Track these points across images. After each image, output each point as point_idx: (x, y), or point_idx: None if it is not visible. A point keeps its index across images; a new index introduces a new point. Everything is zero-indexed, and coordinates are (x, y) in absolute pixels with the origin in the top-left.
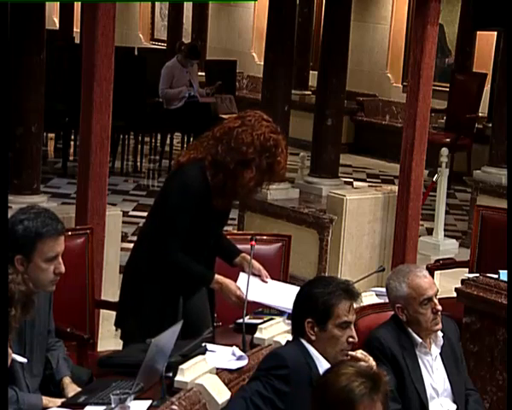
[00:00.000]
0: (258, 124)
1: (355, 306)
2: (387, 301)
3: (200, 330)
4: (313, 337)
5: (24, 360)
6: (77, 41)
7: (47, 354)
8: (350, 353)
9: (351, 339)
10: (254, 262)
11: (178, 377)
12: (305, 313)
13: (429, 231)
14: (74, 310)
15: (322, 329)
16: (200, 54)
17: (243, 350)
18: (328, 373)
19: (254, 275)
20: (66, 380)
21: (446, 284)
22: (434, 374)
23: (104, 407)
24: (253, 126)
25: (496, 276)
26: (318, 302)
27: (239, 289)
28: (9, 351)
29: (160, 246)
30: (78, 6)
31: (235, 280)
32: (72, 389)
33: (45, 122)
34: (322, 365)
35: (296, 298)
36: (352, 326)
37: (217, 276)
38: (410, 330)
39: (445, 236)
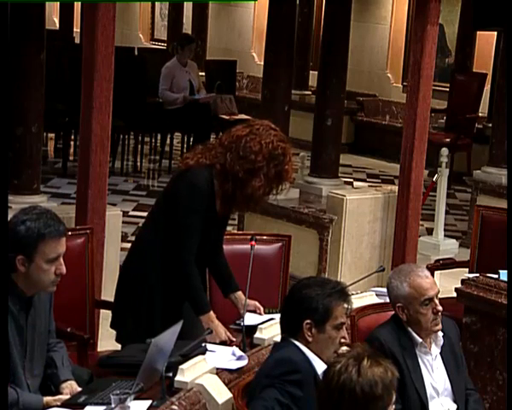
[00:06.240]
0: (267, 132)
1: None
2: (387, 301)
3: (197, 331)
4: (310, 339)
5: None
6: (77, 41)
7: (50, 354)
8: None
9: (343, 340)
10: (249, 301)
11: (178, 377)
12: (304, 315)
13: (429, 231)
14: (74, 310)
15: (320, 330)
16: (193, 38)
17: (243, 350)
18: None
19: (250, 311)
20: (74, 384)
21: (446, 284)
22: (434, 374)
23: (104, 407)
24: (261, 135)
25: (496, 276)
26: (318, 304)
27: (225, 332)
28: None
29: (169, 248)
30: (78, 6)
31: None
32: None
33: (45, 122)
34: (319, 365)
35: (291, 300)
36: (344, 327)
37: (211, 313)
38: (411, 330)
39: (445, 236)
